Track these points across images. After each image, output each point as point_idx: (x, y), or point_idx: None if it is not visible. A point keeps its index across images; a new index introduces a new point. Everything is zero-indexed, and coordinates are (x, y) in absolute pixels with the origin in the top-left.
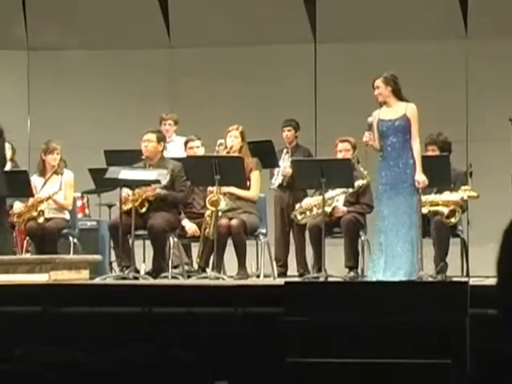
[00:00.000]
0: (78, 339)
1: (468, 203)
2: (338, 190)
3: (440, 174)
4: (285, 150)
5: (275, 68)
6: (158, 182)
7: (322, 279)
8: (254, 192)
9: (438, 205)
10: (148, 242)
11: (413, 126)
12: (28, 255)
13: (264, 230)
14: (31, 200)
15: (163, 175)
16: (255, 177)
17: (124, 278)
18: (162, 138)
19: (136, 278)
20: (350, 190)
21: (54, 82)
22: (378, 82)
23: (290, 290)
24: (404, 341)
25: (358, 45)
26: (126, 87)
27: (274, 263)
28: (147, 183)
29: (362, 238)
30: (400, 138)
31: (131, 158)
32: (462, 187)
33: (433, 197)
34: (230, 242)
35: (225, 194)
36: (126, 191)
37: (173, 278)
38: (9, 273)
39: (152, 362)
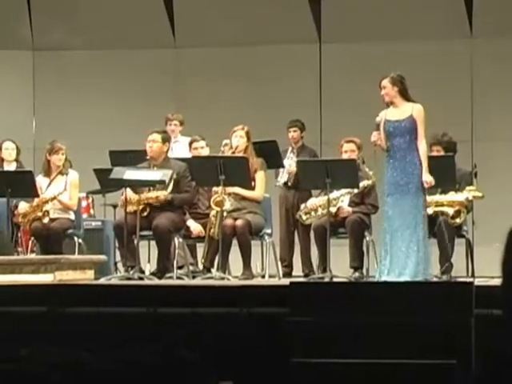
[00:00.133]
0: (82, 339)
1: (473, 203)
2: (343, 191)
3: (445, 174)
4: (290, 149)
5: (280, 68)
6: (162, 182)
7: (326, 279)
8: (259, 192)
9: (443, 205)
10: (153, 243)
11: (419, 126)
12: (33, 255)
13: (269, 231)
14: (36, 200)
15: (168, 175)
16: (260, 177)
17: (129, 279)
18: (167, 139)
19: (141, 279)
20: (355, 191)
21: (60, 82)
22: (385, 82)
23: (295, 290)
24: (409, 341)
25: (362, 45)
26: (131, 87)
27: (279, 263)
28: (152, 184)
29: (367, 238)
30: (406, 138)
31: (136, 158)
32: (467, 187)
33: (438, 197)
34: (235, 242)
35: (230, 194)
36: (130, 194)
37: (178, 278)
38: (14, 273)
39: (157, 363)
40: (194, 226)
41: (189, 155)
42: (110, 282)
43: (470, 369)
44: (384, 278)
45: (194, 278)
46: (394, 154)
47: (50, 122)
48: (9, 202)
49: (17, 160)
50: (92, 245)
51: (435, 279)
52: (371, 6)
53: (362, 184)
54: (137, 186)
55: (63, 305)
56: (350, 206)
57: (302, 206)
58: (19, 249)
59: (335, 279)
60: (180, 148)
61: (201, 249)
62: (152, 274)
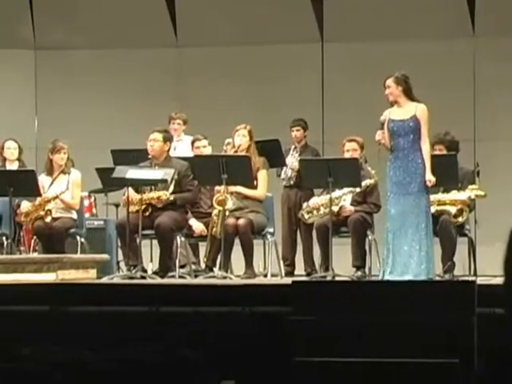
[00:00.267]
0: (85, 338)
1: (475, 202)
2: (346, 190)
3: (447, 173)
4: (293, 147)
5: (282, 67)
6: (164, 181)
7: (329, 278)
8: (261, 191)
9: (445, 204)
10: (155, 242)
11: (422, 126)
12: (35, 254)
13: (271, 230)
14: (38, 199)
15: (170, 175)
16: (262, 176)
17: (131, 278)
18: (168, 138)
19: (143, 278)
20: (358, 190)
21: (61, 81)
22: (389, 82)
23: (298, 289)
24: (411, 340)
25: (365, 44)
26: (133, 87)
27: (282, 262)
28: (154, 183)
29: (370, 237)
30: (410, 138)
31: (138, 157)
32: (470, 186)
33: (440, 196)
34: (237, 241)
35: (232, 193)
36: (132, 194)
37: (180, 277)
38: (16, 272)
39: (159, 362)
40: (196, 225)
41: (192, 154)
42: (113, 281)
43: (473, 367)
44: (386, 277)
45: (196, 277)
46: (397, 153)
47: (52, 121)
48: (11, 201)
49: (19, 159)
50: (94, 244)
51: (438, 278)
52: (373, 6)
53: (364, 183)
54: (139, 185)
55: (65, 304)
56: (352, 204)
57: (305, 204)
58: (22, 248)
59: (337, 278)
60: (183, 147)
61: (203, 248)
62: (154, 273)
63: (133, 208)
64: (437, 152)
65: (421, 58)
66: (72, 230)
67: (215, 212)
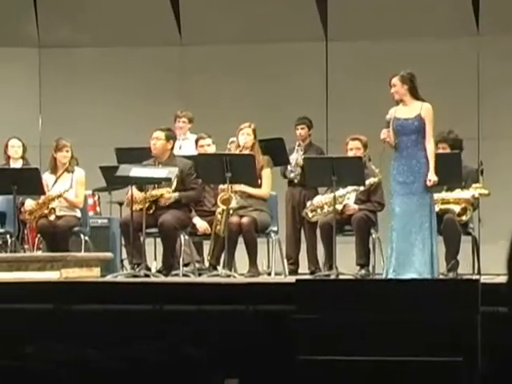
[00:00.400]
0: (89, 337)
1: (479, 201)
2: (349, 188)
3: (451, 171)
4: (297, 143)
5: (286, 66)
6: (168, 179)
7: (333, 277)
8: (265, 190)
9: (449, 203)
10: (159, 240)
11: (427, 126)
12: (39, 253)
13: (275, 228)
14: (42, 197)
15: (174, 173)
16: (267, 174)
17: (135, 276)
18: (171, 136)
19: (147, 276)
20: (361, 188)
21: (66, 79)
22: (395, 80)
23: (301, 287)
24: (415, 338)
25: (369, 43)
26: (137, 85)
27: (285, 261)
28: (158, 181)
29: (373, 235)
30: (414, 137)
31: (142, 155)
32: (473, 185)
33: (444, 195)
34: (241, 239)
35: (236, 192)
36: (135, 193)
37: (184, 275)
38: (20, 270)
39: (163, 360)
40: (200, 224)
41: (196, 153)
42: (116, 280)
43: (476, 366)
44: (390, 276)
45: (200, 275)
46: (402, 152)
47: (57, 119)
48: (15, 199)
49: (23, 157)
50: (98, 242)
51: (441, 276)
52: (377, 4)
53: (368, 181)
54: (143, 183)
55: (69, 302)
56: (356, 203)
57: (308, 203)
58: (25, 246)
59: (341, 276)
60: (189, 145)
61: (207, 246)
62: (158, 271)
63: (136, 206)
64: (440, 150)
65: (425, 56)
66: (76, 229)
67: (219, 210)
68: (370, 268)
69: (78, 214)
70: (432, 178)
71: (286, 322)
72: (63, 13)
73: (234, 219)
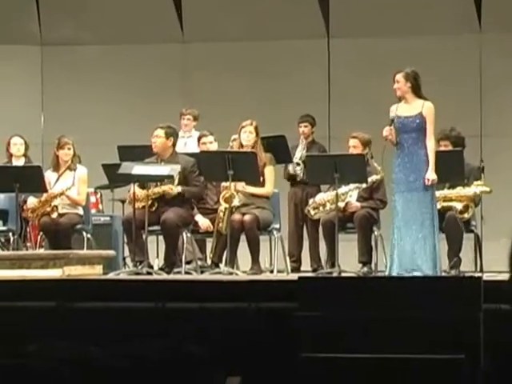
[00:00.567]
0: (91, 334)
1: (481, 198)
2: (352, 186)
3: (453, 169)
4: (301, 140)
5: (288, 63)
6: (170, 177)
7: (335, 274)
8: (268, 188)
9: (451, 200)
10: (161, 238)
11: (428, 124)
12: (42, 250)
13: (277, 226)
14: (45, 195)
15: (176, 170)
16: (269, 172)
17: (137, 274)
18: (170, 133)
19: (149, 274)
20: (364, 186)
21: (68, 77)
22: (399, 77)
23: (304, 285)
24: (417, 336)
25: (371, 40)
26: (140, 82)
27: (288, 258)
28: (160, 179)
29: (376, 233)
30: (414, 135)
31: (144, 153)
32: (475, 182)
33: (446, 192)
34: (243, 237)
35: (239, 190)
36: (137, 190)
37: (186, 273)
38: (23, 268)
39: (165, 358)
40: (203, 221)
41: (198, 150)
42: (119, 277)
43: (479, 363)
44: (392, 273)
45: (202, 272)
46: (403, 149)
47: (59, 117)
48: (17, 197)
49: (25, 155)
50: (100, 240)
51: (444, 274)
52: (379, 1)
53: (370, 179)
54: (145, 181)
55: (72, 300)
56: (358, 200)
57: (311, 200)
58: (28, 244)
59: (344, 274)
60: (194, 143)
61: (209, 244)
62: (160, 268)
63: (139, 204)
64: (442, 148)
65: (427, 53)
66: (78, 226)
67: (221, 208)
68: (373, 265)
69: (81, 211)
70: (430, 177)
71: (288, 319)
72: (65, 10)
73: (237, 217)
